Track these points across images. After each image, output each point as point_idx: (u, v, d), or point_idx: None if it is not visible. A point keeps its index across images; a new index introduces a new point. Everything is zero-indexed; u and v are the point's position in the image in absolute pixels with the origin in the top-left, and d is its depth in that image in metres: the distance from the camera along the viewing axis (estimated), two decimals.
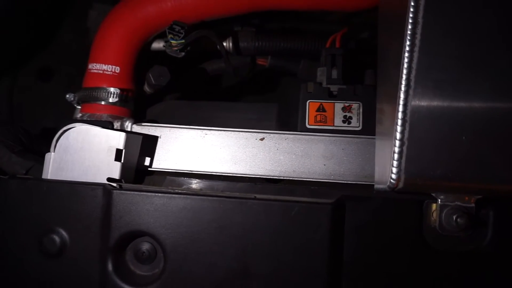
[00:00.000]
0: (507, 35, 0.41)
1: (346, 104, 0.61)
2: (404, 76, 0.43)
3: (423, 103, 0.43)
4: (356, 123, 0.61)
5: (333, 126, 0.61)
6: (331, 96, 0.62)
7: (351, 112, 0.61)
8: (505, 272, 0.48)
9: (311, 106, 0.62)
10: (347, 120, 0.61)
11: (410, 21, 0.42)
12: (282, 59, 0.75)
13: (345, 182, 0.58)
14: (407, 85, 0.43)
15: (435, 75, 0.42)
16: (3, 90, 0.88)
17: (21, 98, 0.89)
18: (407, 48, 0.42)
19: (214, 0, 0.66)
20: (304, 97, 0.62)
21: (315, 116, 0.61)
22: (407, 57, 0.42)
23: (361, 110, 0.61)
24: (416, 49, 0.42)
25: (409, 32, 0.42)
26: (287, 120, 0.66)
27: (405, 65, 0.42)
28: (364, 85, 0.63)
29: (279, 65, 0.76)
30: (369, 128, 0.59)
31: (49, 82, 0.90)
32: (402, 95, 0.43)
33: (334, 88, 0.62)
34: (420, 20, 0.41)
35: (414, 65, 0.42)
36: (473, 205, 0.47)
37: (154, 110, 0.74)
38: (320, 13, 0.78)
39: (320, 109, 0.62)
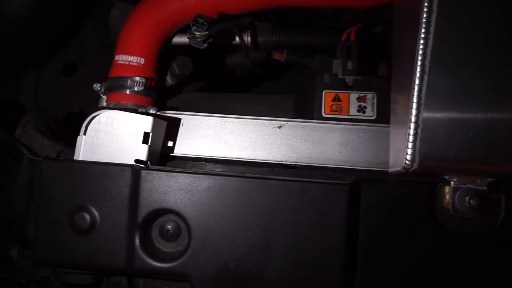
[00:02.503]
0: None
1: (361, 94, 0.64)
2: (419, 62, 0.45)
3: (437, 87, 0.45)
4: (370, 113, 0.64)
5: (348, 115, 0.64)
6: (346, 86, 0.65)
7: (366, 102, 0.64)
8: None
9: (327, 96, 0.64)
10: (361, 109, 0.64)
11: (425, 9, 0.44)
12: (297, 54, 0.78)
13: (360, 168, 0.60)
14: (422, 71, 0.45)
15: (448, 61, 0.45)
16: (30, 84, 0.92)
17: (46, 92, 0.93)
18: (422, 36, 0.45)
19: None
20: (320, 88, 0.64)
21: (331, 106, 0.64)
22: (422, 43, 0.45)
23: (375, 100, 0.64)
24: (431, 36, 0.45)
25: (424, 20, 0.44)
26: (303, 110, 0.69)
27: (420, 52, 0.45)
28: (378, 76, 0.65)
29: (294, 60, 0.78)
30: (383, 117, 0.62)
31: (73, 77, 0.94)
32: (417, 80, 0.45)
33: (349, 79, 0.65)
34: (434, 8, 0.44)
35: (428, 52, 0.45)
36: (485, 187, 0.49)
37: (174, 102, 0.77)
38: (334, 13, 0.81)
39: (336, 99, 0.64)
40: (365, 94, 0.64)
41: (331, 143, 0.61)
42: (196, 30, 0.62)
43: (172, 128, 0.61)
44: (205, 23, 0.61)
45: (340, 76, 0.65)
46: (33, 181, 0.56)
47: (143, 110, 0.64)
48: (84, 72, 0.95)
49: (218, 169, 0.63)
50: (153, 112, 0.64)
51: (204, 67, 0.76)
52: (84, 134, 0.56)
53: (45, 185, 0.54)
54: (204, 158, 0.62)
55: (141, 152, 0.55)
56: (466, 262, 0.50)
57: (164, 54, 0.73)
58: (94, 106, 0.70)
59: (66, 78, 0.94)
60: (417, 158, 0.46)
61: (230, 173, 0.52)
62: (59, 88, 0.93)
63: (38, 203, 0.54)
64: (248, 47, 0.71)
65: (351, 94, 0.64)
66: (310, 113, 0.65)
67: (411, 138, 0.46)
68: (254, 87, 0.88)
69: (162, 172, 0.52)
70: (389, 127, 0.58)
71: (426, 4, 0.44)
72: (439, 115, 0.45)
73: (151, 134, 0.55)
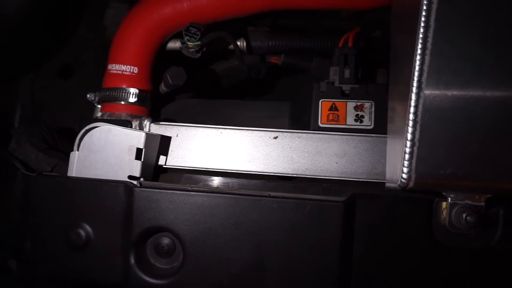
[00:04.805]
0: None
1: (358, 103, 0.63)
2: (415, 78, 0.44)
3: (434, 104, 0.44)
4: (368, 122, 0.62)
5: (345, 125, 0.62)
6: (344, 95, 0.63)
7: (363, 111, 0.62)
8: None
9: (323, 105, 0.63)
10: (359, 119, 0.62)
11: (422, 24, 0.42)
12: (295, 57, 0.76)
13: (357, 179, 0.59)
14: (418, 87, 0.44)
15: (447, 77, 0.43)
16: (26, 88, 0.91)
17: (43, 96, 0.92)
18: (419, 51, 0.43)
19: (229, 1, 0.67)
20: (316, 96, 0.63)
21: (328, 115, 0.63)
22: (418, 60, 0.43)
23: (373, 109, 0.62)
24: (428, 52, 0.43)
25: (421, 35, 0.43)
26: (299, 117, 0.67)
27: (417, 68, 0.43)
28: (376, 84, 0.64)
29: (292, 63, 0.77)
30: (381, 127, 0.61)
31: (70, 80, 0.93)
32: (413, 97, 0.44)
33: (346, 88, 0.63)
34: (432, 23, 0.42)
35: (425, 68, 0.43)
36: (483, 203, 0.48)
37: (169, 109, 0.76)
38: (333, 11, 0.79)
39: (333, 108, 0.63)
40: (363, 103, 0.63)
41: (328, 154, 0.60)
42: (189, 41, 0.60)
43: (164, 141, 0.60)
44: (197, 33, 0.60)
45: (337, 84, 0.64)
46: (28, 197, 0.56)
47: (137, 121, 0.64)
48: (82, 75, 0.93)
49: (214, 181, 0.62)
50: (147, 123, 0.63)
51: (199, 74, 0.75)
52: (78, 149, 0.56)
53: (39, 201, 0.54)
54: (199, 169, 0.62)
55: (135, 168, 0.54)
56: (462, 279, 0.50)
57: (159, 61, 0.71)
58: (89, 117, 0.69)
59: (63, 81, 0.93)
60: (413, 176, 0.45)
61: (224, 191, 0.52)
62: (56, 92, 0.92)
63: (32, 219, 0.54)
64: (242, 53, 0.69)
65: (348, 103, 0.63)
66: (306, 122, 0.64)
67: (407, 156, 0.45)
68: (251, 93, 0.86)
69: (155, 190, 0.52)
70: (387, 137, 0.57)
71: (423, 19, 0.42)
72: (436, 133, 0.44)
73: (144, 150, 0.54)
